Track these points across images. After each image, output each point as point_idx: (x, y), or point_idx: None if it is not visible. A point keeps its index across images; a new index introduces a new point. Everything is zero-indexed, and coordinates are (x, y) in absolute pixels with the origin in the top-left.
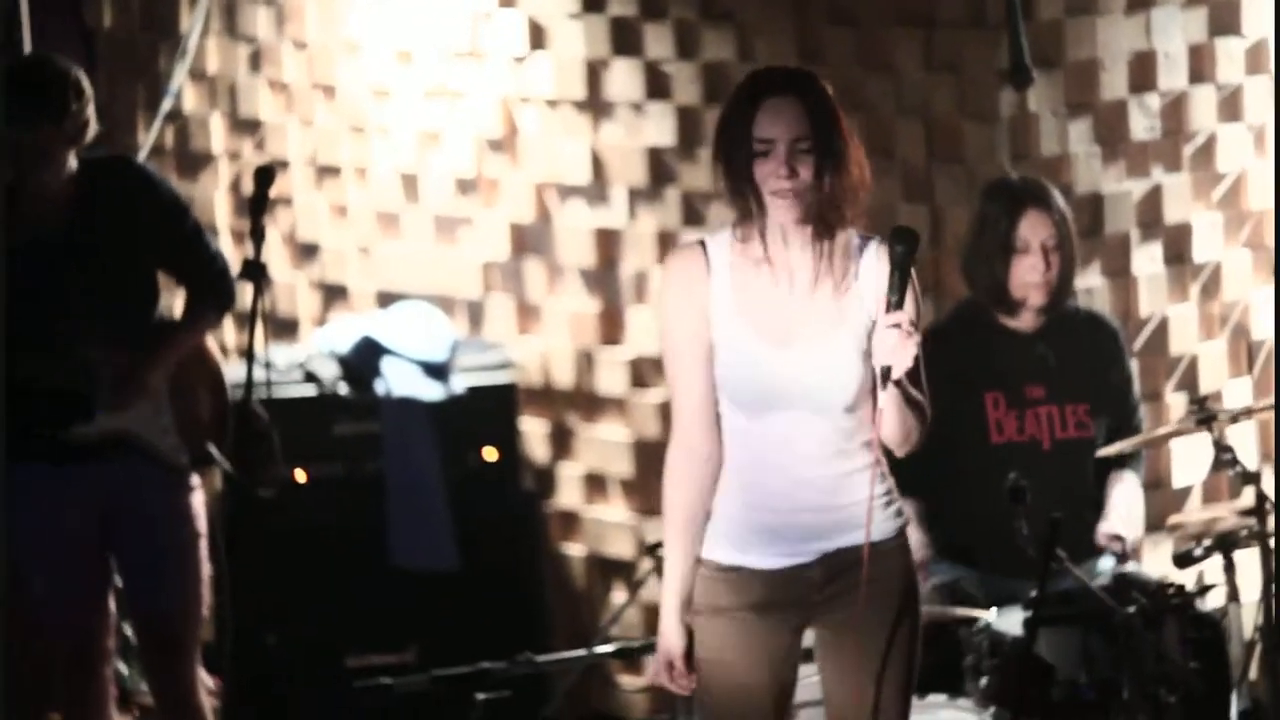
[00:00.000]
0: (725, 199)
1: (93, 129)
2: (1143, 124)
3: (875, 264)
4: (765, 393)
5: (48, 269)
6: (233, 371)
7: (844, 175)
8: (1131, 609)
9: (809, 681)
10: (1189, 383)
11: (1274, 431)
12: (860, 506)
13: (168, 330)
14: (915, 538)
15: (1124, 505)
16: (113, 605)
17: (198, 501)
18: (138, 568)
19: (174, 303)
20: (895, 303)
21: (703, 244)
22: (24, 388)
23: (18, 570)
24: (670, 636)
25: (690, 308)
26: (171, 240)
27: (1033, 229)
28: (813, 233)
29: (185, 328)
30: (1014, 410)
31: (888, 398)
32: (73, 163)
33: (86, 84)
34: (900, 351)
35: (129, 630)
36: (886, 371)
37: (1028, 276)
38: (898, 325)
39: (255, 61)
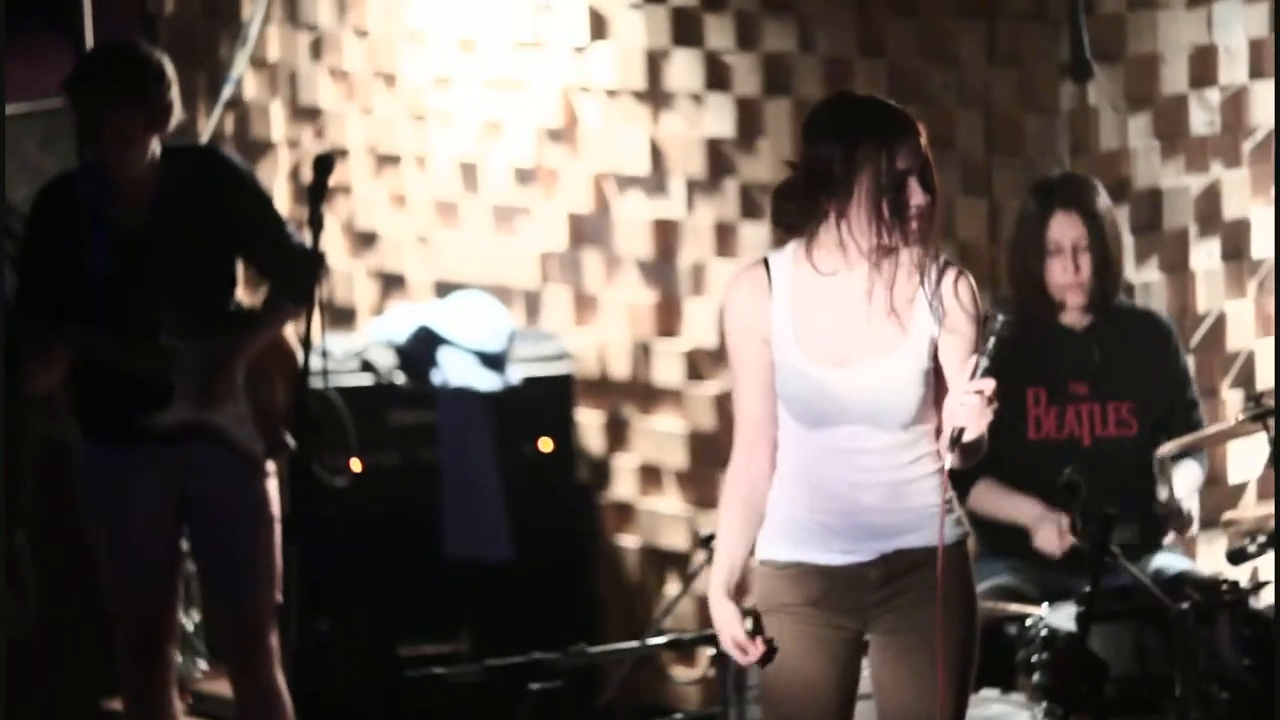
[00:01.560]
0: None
1: (176, 115)
2: (1202, 119)
3: (945, 284)
4: (823, 410)
5: (129, 255)
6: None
7: (937, 195)
8: (1185, 605)
9: (864, 675)
10: (1245, 379)
11: (1274, 428)
12: (922, 511)
13: (247, 320)
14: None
15: (1185, 480)
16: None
17: (272, 488)
18: (214, 553)
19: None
20: (986, 370)
21: (765, 262)
22: (104, 373)
23: (94, 550)
24: (724, 617)
25: (752, 329)
26: (255, 230)
27: (1061, 229)
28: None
29: (266, 318)
30: (1054, 407)
31: (955, 455)
32: (156, 149)
33: (169, 70)
34: (977, 418)
35: (184, 618)
36: (958, 434)
37: (1059, 278)
38: (980, 392)
39: (316, 50)
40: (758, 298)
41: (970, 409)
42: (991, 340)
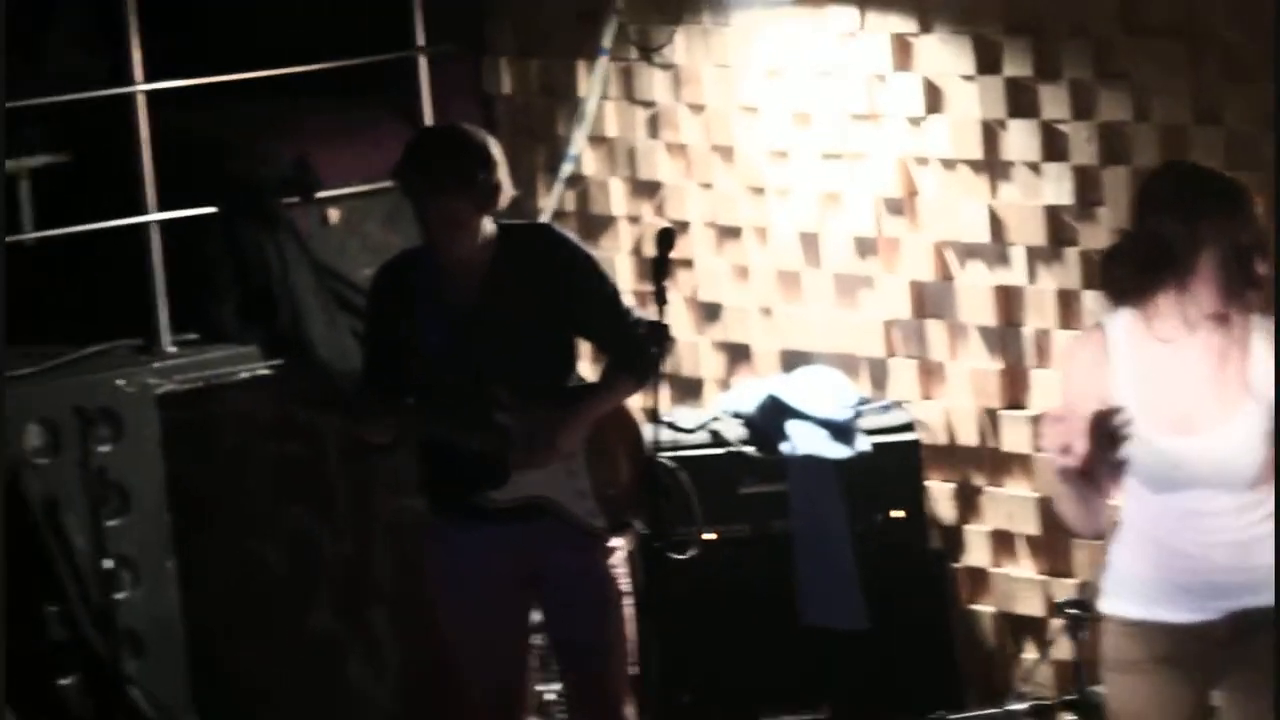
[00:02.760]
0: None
1: (506, 194)
2: None
3: (1267, 340)
4: (1169, 476)
5: (461, 333)
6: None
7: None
8: None
9: None
10: None
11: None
12: (1270, 569)
13: (584, 394)
14: None
15: None
16: (531, 661)
17: (617, 562)
18: (562, 628)
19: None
20: None
21: (1102, 326)
22: (444, 450)
23: (443, 626)
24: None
25: (1090, 391)
26: (589, 306)
27: None
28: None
29: (601, 392)
30: None
31: None
32: (489, 228)
33: (496, 151)
34: None
35: (544, 689)
36: None
37: None
38: None
39: (654, 125)
40: (1096, 361)
41: None
42: None
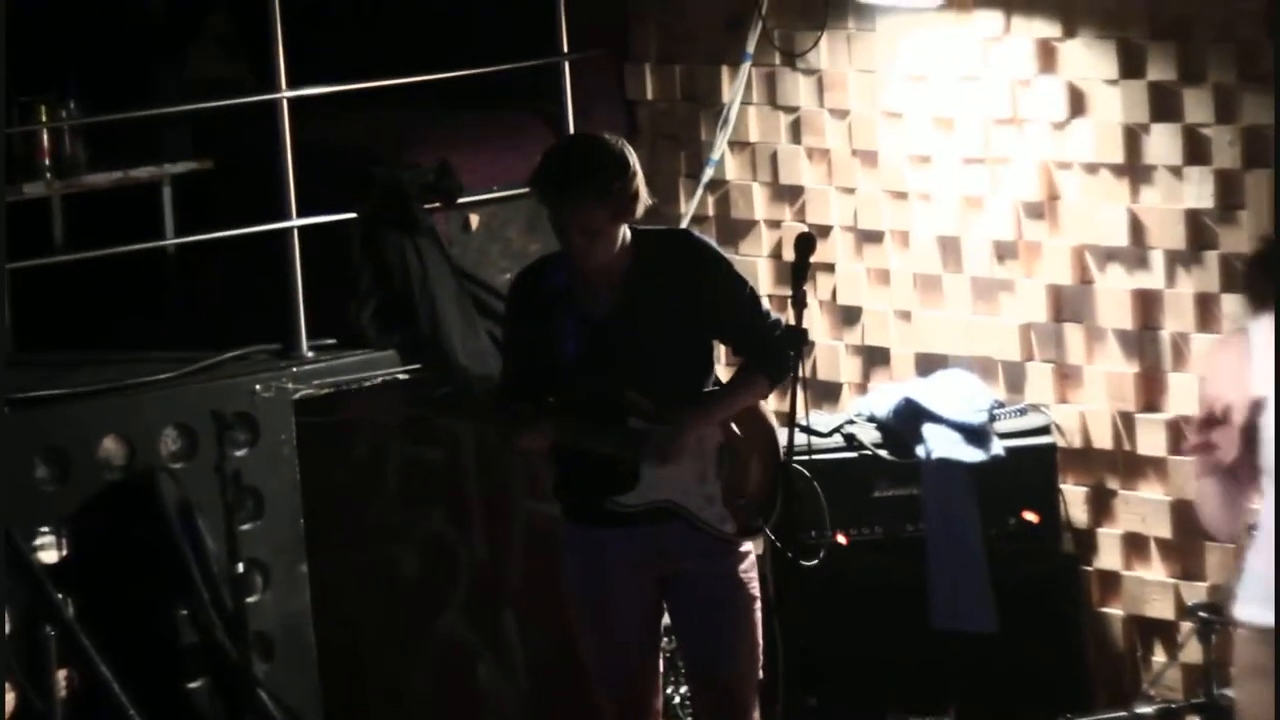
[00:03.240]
0: None
1: (643, 203)
2: None
3: None
4: None
5: (596, 339)
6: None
7: None
8: None
9: None
10: None
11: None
12: None
13: (715, 395)
14: None
15: None
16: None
17: (748, 566)
18: (691, 631)
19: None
20: None
21: (1245, 330)
22: (577, 454)
23: (574, 628)
24: None
25: (1233, 394)
26: (724, 311)
27: None
28: None
29: (733, 392)
30: None
31: None
32: (626, 234)
33: (633, 160)
34: None
35: (673, 692)
36: None
37: None
38: None
39: (796, 130)
40: (1240, 363)
41: None
42: None
